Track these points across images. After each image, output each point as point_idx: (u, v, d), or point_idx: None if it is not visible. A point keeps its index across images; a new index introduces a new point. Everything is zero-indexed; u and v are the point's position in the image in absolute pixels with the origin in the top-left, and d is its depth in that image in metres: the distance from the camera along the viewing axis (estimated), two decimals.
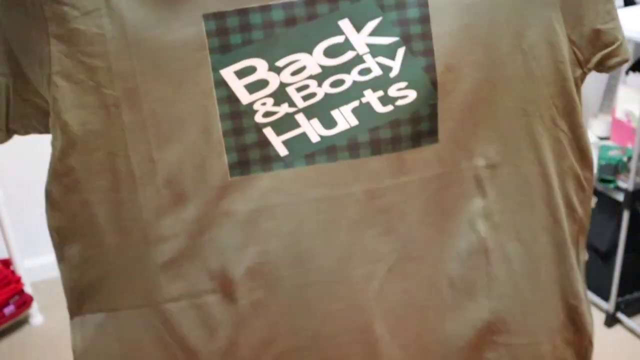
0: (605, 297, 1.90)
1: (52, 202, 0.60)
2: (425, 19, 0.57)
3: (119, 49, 0.55)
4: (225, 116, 0.57)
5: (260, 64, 0.56)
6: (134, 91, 0.56)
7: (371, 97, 0.58)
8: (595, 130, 2.07)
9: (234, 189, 0.58)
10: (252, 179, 0.58)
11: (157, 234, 0.59)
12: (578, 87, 0.63)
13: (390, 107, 0.59)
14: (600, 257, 1.93)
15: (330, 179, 0.59)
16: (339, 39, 0.57)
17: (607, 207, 1.91)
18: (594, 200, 1.96)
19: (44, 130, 0.62)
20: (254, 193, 0.59)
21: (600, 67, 0.64)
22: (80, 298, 0.62)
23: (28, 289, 1.99)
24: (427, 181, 0.61)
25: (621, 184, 1.85)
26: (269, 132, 0.58)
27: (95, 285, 0.62)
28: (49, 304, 2.05)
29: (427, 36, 0.57)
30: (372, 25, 0.57)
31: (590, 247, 1.97)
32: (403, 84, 0.58)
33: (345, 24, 0.57)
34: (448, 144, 0.60)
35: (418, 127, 0.59)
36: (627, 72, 2.05)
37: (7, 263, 2.03)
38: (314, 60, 0.57)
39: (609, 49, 0.63)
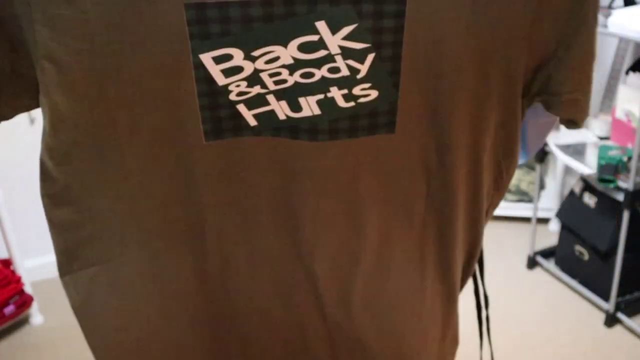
0: (605, 297, 1.90)
1: (45, 172, 0.65)
2: (399, 29, 0.60)
3: (102, 31, 0.57)
4: (202, 93, 0.61)
5: (237, 53, 0.59)
6: (118, 70, 0.59)
7: (336, 93, 0.63)
8: (595, 130, 2.07)
9: (208, 150, 0.64)
10: (224, 143, 0.64)
11: (142, 193, 0.65)
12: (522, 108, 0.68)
13: (352, 103, 0.63)
14: (600, 257, 1.93)
15: (292, 151, 0.65)
16: (313, 38, 0.59)
17: (607, 207, 1.91)
18: (594, 200, 1.97)
19: (35, 106, 0.64)
20: (226, 154, 0.65)
21: (546, 107, 0.68)
22: (71, 257, 0.68)
23: (28, 289, 1.99)
24: (377, 163, 0.67)
25: (621, 184, 1.85)
26: (241, 107, 0.63)
27: (86, 243, 0.67)
28: (49, 304, 2.05)
29: (397, 45, 0.61)
30: (347, 30, 0.59)
31: (590, 247, 1.97)
32: (367, 85, 0.62)
33: (321, 25, 0.59)
34: (403, 135, 0.66)
35: (375, 120, 0.65)
36: (627, 72, 2.05)
37: (7, 263, 2.03)
38: (288, 52, 0.60)
39: (551, 96, 0.67)
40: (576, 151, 2.04)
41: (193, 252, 0.69)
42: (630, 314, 1.90)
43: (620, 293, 1.88)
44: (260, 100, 0.63)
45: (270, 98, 0.63)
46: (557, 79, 0.66)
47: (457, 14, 0.60)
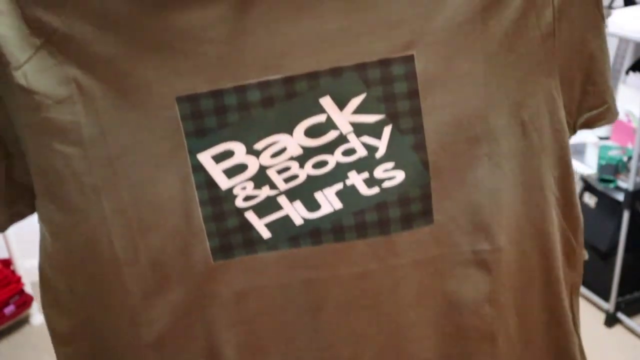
0: (605, 297, 1.90)
1: (45, 281, 0.59)
2: (413, 94, 0.53)
3: (94, 136, 0.53)
4: (204, 202, 0.55)
5: (238, 148, 0.54)
6: (112, 178, 0.54)
7: (356, 179, 0.56)
8: (595, 130, 2.07)
9: (218, 272, 0.57)
10: (236, 262, 0.57)
11: (145, 315, 0.58)
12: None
13: (376, 190, 0.56)
14: (600, 257, 1.93)
15: (316, 261, 0.57)
16: (320, 118, 0.54)
17: (607, 207, 1.91)
18: (594, 200, 1.96)
19: (30, 212, 0.60)
20: (239, 275, 0.57)
21: (586, 127, 0.62)
22: None
23: (28, 289, 1.99)
24: (421, 264, 0.58)
25: (621, 184, 1.85)
26: (250, 215, 0.56)
27: (90, 358, 0.61)
28: None
29: (416, 112, 0.54)
30: (355, 102, 0.53)
31: (590, 247, 1.97)
32: (390, 165, 0.55)
33: (326, 102, 0.53)
34: (446, 225, 0.57)
35: (408, 209, 0.56)
36: (627, 72, 2.05)
37: (7, 263, 2.03)
38: (295, 141, 0.54)
39: (596, 111, 0.60)
40: (576, 151, 2.04)
41: None
42: (630, 314, 1.89)
43: (620, 293, 1.87)
44: (271, 204, 0.56)
45: (282, 200, 0.56)
46: (588, 99, 0.59)
47: (472, 66, 0.53)
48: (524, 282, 0.60)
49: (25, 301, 1.98)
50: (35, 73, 0.52)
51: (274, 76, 0.52)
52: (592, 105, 0.59)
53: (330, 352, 0.60)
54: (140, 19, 0.51)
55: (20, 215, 0.60)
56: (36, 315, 2.02)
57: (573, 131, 0.60)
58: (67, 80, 0.53)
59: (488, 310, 0.59)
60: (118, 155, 0.54)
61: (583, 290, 2.03)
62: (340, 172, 0.55)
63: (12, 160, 0.57)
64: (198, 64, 0.52)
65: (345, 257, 0.57)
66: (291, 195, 0.56)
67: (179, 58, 0.52)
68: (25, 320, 2.03)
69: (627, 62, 2.19)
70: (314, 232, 0.57)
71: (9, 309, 1.95)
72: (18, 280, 1.97)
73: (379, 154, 0.55)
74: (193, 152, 0.54)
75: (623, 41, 2.24)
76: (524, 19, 0.54)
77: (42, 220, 0.57)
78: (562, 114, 0.57)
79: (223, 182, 0.55)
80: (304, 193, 0.56)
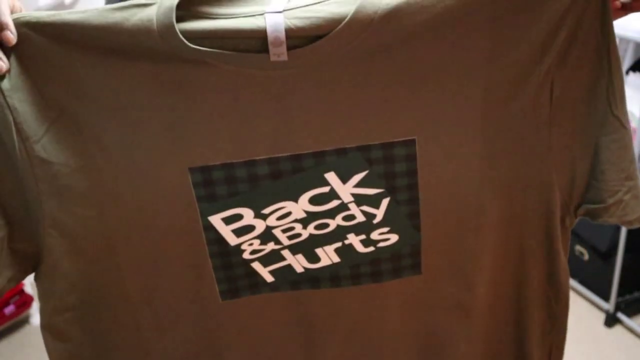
0: (605, 297, 1.90)
1: (55, 334, 0.62)
2: (412, 173, 0.57)
3: (111, 200, 0.57)
4: (214, 254, 0.60)
5: (247, 212, 0.58)
6: (127, 238, 0.58)
7: (354, 240, 0.60)
8: None
9: (225, 309, 0.62)
10: (242, 300, 0.62)
11: (157, 347, 0.63)
12: (565, 228, 0.62)
13: (371, 248, 0.61)
14: (600, 257, 1.93)
15: (314, 300, 0.63)
16: (324, 189, 0.57)
17: None
18: None
19: (21, 278, 0.62)
20: (244, 311, 0.63)
21: (590, 217, 0.62)
22: None
23: (28, 289, 1.99)
24: (406, 304, 0.64)
25: None
26: (256, 265, 0.61)
27: None
28: None
29: (413, 187, 0.58)
30: (358, 177, 0.57)
31: (590, 247, 1.97)
32: (385, 229, 0.60)
33: (331, 176, 0.57)
34: (432, 275, 0.62)
35: (399, 263, 0.62)
36: (627, 72, 2.05)
37: None
38: (299, 207, 0.58)
39: (596, 205, 0.60)
40: None
41: None
42: (630, 314, 1.89)
43: (620, 293, 1.87)
44: (275, 256, 0.61)
45: (286, 253, 0.61)
46: (596, 185, 0.59)
47: (469, 149, 0.57)
48: (495, 324, 0.66)
49: (25, 301, 1.98)
50: (53, 144, 0.55)
51: (282, 153, 0.56)
52: (593, 198, 0.60)
53: None
54: (153, 100, 0.54)
55: (16, 280, 0.62)
56: (36, 315, 2.02)
57: (573, 215, 0.62)
58: (82, 149, 0.55)
59: (463, 348, 0.65)
60: (133, 215, 0.57)
61: (583, 290, 2.03)
62: (339, 233, 0.60)
63: (13, 227, 0.59)
64: (211, 139, 0.55)
65: (340, 298, 0.63)
66: (294, 249, 0.60)
67: (193, 132, 0.55)
68: (25, 320, 2.04)
69: (627, 62, 2.19)
70: (313, 279, 0.62)
71: (9, 309, 1.94)
72: None
73: (376, 220, 0.60)
74: (204, 214, 0.58)
75: (623, 41, 2.24)
76: (522, 106, 0.56)
77: (53, 276, 0.60)
78: (554, 196, 0.60)
79: (232, 240, 0.59)
80: (306, 248, 0.60)
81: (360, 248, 0.61)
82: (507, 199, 0.60)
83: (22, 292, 1.97)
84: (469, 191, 0.59)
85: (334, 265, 0.61)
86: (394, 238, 0.60)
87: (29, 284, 2.00)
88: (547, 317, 0.66)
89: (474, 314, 0.64)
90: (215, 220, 0.58)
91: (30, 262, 0.60)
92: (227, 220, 0.58)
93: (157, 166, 0.56)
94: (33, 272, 0.62)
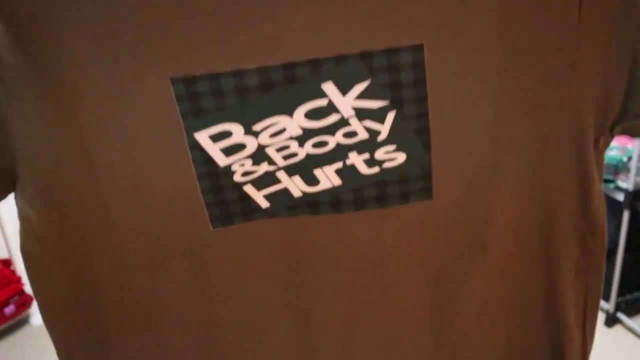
0: (606, 297, 1.90)
1: (33, 262, 0.58)
2: (420, 83, 0.52)
3: (94, 120, 0.52)
4: (202, 176, 0.54)
5: (236, 129, 0.53)
6: (108, 156, 0.53)
7: (356, 159, 0.55)
8: None
9: (217, 239, 0.57)
10: (235, 228, 0.56)
11: (146, 288, 0.58)
12: (599, 151, 0.56)
13: (376, 169, 0.55)
14: None
15: (313, 227, 0.57)
16: (321, 102, 0.52)
17: (607, 207, 1.90)
18: None
19: (1, 197, 0.59)
20: (238, 242, 0.57)
21: (630, 135, 0.56)
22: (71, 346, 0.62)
23: (28, 289, 1.99)
24: (414, 233, 0.57)
25: (621, 184, 1.85)
26: (249, 188, 0.55)
27: (87, 333, 0.61)
28: None
29: (421, 99, 0.52)
30: (359, 88, 0.52)
31: None
32: (391, 147, 0.54)
33: (329, 87, 0.52)
34: (445, 201, 0.56)
35: (407, 187, 0.56)
36: None
37: (7, 263, 2.03)
38: (295, 122, 0.53)
39: (633, 122, 0.54)
40: None
41: (202, 345, 0.62)
42: (630, 314, 1.89)
43: (620, 293, 1.87)
44: (269, 178, 0.55)
45: (281, 175, 0.55)
46: (635, 98, 0.53)
47: (485, 59, 0.51)
48: (524, 264, 0.58)
49: (25, 301, 1.98)
50: (20, 48, 0.50)
51: (273, 62, 0.50)
52: (631, 113, 0.54)
53: (321, 321, 0.60)
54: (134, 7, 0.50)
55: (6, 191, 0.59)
56: (36, 315, 2.02)
57: (609, 134, 0.55)
58: (46, 59, 0.51)
59: (479, 291, 0.58)
60: (114, 134, 0.52)
61: None
62: (340, 152, 0.54)
63: None
64: (194, 47, 0.50)
65: (342, 225, 0.56)
66: (290, 170, 0.55)
67: (174, 39, 0.50)
68: (25, 320, 2.04)
69: None
70: (312, 203, 0.56)
71: (9, 309, 1.95)
72: (18, 280, 1.97)
73: (380, 137, 0.53)
74: (190, 131, 0.52)
75: None
76: (546, 8, 0.50)
77: (30, 203, 0.56)
78: (586, 112, 0.53)
79: (221, 160, 0.54)
80: (303, 169, 0.54)
81: (364, 169, 0.55)
82: (530, 115, 0.53)
83: (22, 292, 1.97)
84: (484, 105, 0.52)
85: (334, 188, 0.55)
86: (401, 158, 0.54)
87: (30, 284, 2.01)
88: (581, 254, 0.58)
89: (493, 250, 0.57)
90: (202, 137, 0.52)
91: (10, 181, 0.57)
92: (215, 138, 0.53)
93: (138, 77, 0.51)
94: (13, 192, 0.58)
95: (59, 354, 0.63)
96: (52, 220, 0.57)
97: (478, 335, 0.61)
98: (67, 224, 0.56)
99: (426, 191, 0.55)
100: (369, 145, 0.54)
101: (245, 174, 0.55)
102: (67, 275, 0.59)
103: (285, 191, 0.55)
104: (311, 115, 0.52)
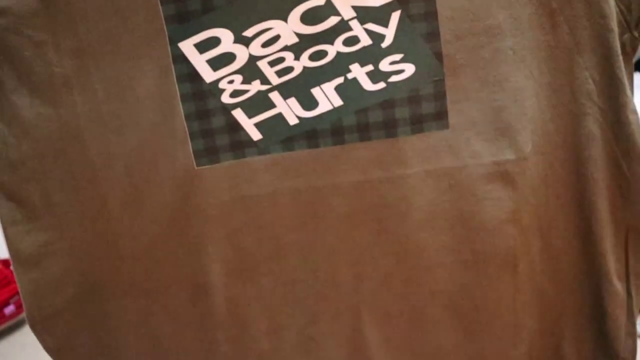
0: None
1: (8, 194, 0.55)
2: None
3: (64, 22, 0.49)
4: (186, 97, 0.50)
5: (225, 35, 0.49)
6: (85, 69, 0.49)
7: (358, 72, 0.50)
8: None
9: (202, 180, 0.52)
10: (222, 167, 0.53)
11: (125, 227, 0.54)
12: (627, 55, 0.51)
13: (382, 85, 0.51)
14: None
15: (312, 167, 0.52)
16: (319, 2, 0.48)
17: None
18: None
19: None
20: (225, 184, 0.53)
21: None
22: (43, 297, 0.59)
23: None
24: (433, 176, 0.52)
25: None
26: (238, 113, 0.51)
27: (60, 279, 0.58)
28: None
29: None
30: None
31: None
32: (398, 56, 0.50)
33: None
34: (464, 130, 0.51)
35: (419, 108, 0.50)
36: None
37: (7, 263, 2.02)
38: (290, 28, 0.48)
39: None
40: None
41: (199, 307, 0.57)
42: None
43: None
44: (261, 101, 0.51)
45: (275, 97, 0.51)
46: None
47: None
48: (551, 201, 0.53)
49: None
50: None
51: None
52: None
53: (327, 273, 0.55)
54: None
55: None
56: None
57: (635, 32, 0.51)
58: None
59: (511, 232, 0.52)
60: (90, 44, 0.48)
61: None
62: (340, 64, 0.50)
63: None
64: None
65: (345, 163, 0.52)
66: (285, 90, 0.51)
67: None
68: (25, 321, 2.03)
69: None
70: (310, 133, 0.51)
71: (9, 309, 1.94)
72: None
73: (385, 44, 0.49)
74: (174, 40, 0.49)
75: None
76: None
77: (4, 121, 0.52)
78: (608, 7, 0.48)
79: (207, 74, 0.50)
80: (300, 88, 0.51)
81: (368, 84, 0.50)
82: (546, 11, 0.48)
83: None
84: (501, 5, 0.48)
85: (335, 110, 0.51)
86: (409, 69, 0.49)
87: None
88: (616, 187, 0.53)
89: (520, 186, 0.51)
90: (187, 46, 0.49)
91: None
92: (201, 47, 0.49)
93: None
94: None
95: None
96: (28, 136, 0.53)
97: (512, 284, 0.54)
98: (41, 143, 0.52)
99: (441, 118, 0.50)
100: (373, 53, 0.50)
101: (235, 93, 0.50)
102: (43, 210, 0.56)
103: (280, 117, 0.51)
104: (307, 18, 0.48)
